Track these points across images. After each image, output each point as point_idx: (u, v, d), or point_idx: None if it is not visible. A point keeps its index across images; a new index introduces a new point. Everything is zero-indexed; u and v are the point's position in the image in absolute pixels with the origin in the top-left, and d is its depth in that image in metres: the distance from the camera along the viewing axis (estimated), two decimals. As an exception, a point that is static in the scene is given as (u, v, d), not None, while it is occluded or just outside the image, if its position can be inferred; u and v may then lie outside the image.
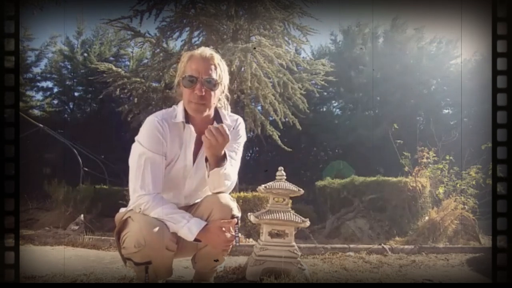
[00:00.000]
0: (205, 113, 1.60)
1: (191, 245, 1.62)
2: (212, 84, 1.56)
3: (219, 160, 1.54)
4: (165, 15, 5.53)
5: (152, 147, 1.55)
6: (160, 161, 1.56)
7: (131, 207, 1.56)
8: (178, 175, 1.65)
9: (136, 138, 1.59)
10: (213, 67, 1.58)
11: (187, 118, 1.62)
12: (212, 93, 1.58)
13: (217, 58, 1.61)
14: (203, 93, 1.54)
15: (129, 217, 1.55)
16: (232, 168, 1.64)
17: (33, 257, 3.06)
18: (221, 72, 1.61)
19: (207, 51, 1.60)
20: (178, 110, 1.64)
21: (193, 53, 1.61)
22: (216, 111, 1.69)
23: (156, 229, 1.46)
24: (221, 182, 1.59)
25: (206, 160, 1.57)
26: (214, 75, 1.57)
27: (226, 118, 1.69)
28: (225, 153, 1.55)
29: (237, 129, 1.72)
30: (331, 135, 8.87)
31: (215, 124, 1.57)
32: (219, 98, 1.68)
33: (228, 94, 1.74)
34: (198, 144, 1.64)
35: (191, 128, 1.61)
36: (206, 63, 1.57)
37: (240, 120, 1.76)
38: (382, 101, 9.01)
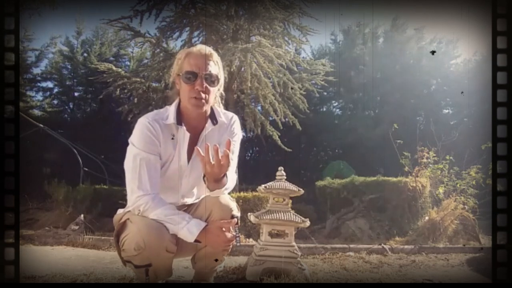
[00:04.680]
0: (204, 109, 1.60)
1: (190, 245, 1.62)
2: (212, 80, 1.57)
3: (219, 181, 1.51)
4: (165, 15, 5.54)
5: (146, 148, 1.55)
6: (155, 161, 1.56)
7: (130, 209, 1.55)
8: (174, 175, 1.65)
9: (130, 140, 1.59)
10: (212, 63, 1.59)
11: (179, 119, 1.62)
12: (212, 89, 1.58)
13: (215, 55, 1.62)
14: (204, 89, 1.55)
15: (128, 219, 1.54)
16: (230, 167, 1.64)
17: (33, 257, 3.06)
18: (219, 69, 1.63)
19: (206, 48, 1.61)
20: (170, 111, 1.63)
21: (191, 50, 1.62)
22: (211, 109, 1.69)
23: (156, 231, 1.45)
24: (222, 193, 1.59)
25: (204, 176, 1.54)
26: (213, 71, 1.58)
27: (220, 116, 1.69)
28: (225, 174, 1.51)
29: (232, 127, 1.71)
30: (331, 135, 8.87)
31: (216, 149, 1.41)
32: (215, 95, 1.68)
33: (223, 92, 1.75)
34: (192, 144, 1.64)
35: (183, 128, 1.61)
36: (205, 59, 1.58)
37: (235, 117, 1.75)
38: (382, 101, 9.01)
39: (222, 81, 1.68)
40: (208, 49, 1.61)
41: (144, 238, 1.43)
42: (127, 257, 1.51)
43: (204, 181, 1.54)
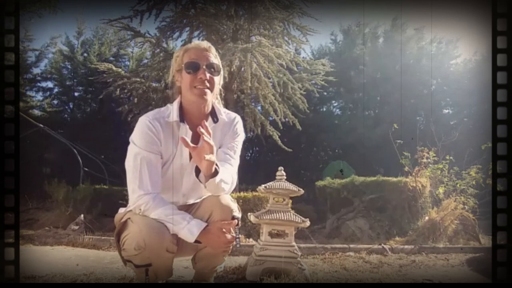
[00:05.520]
0: (208, 99, 1.59)
1: (191, 245, 1.61)
2: (214, 70, 1.58)
3: (213, 173, 1.48)
4: (165, 15, 5.55)
5: (147, 147, 1.55)
6: (156, 160, 1.56)
7: (131, 208, 1.55)
8: (176, 174, 1.64)
9: (130, 138, 1.59)
10: (212, 55, 1.60)
11: (182, 117, 1.62)
12: (215, 78, 1.59)
13: (214, 49, 1.63)
14: (208, 77, 1.55)
15: (129, 218, 1.54)
16: (231, 167, 1.63)
17: (33, 257, 3.06)
18: (219, 62, 1.63)
19: (203, 42, 1.63)
20: (172, 109, 1.63)
21: (189, 46, 1.63)
22: (212, 107, 1.68)
23: (156, 231, 1.45)
24: (219, 188, 1.54)
25: (197, 174, 1.52)
26: (215, 61, 1.59)
27: (221, 113, 1.69)
28: (216, 164, 1.49)
29: (234, 127, 1.71)
30: (331, 135, 8.87)
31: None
32: (217, 88, 1.68)
33: (221, 88, 1.75)
34: (195, 142, 1.62)
35: (186, 126, 1.61)
36: (205, 51, 1.59)
37: (238, 118, 1.75)
38: (382, 101, 9.01)
39: (221, 75, 1.68)
40: (206, 43, 1.62)
41: (144, 238, 1.43)
42: (127, 256, 1.51)
43: (198, 179, 1.54)
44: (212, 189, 1.54)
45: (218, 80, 1.64)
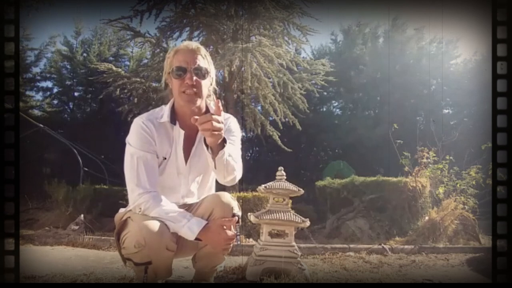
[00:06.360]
0: (197, 103, 1.60)
1: (191, 245, 1.62)
2: (202, 73, 1.58)
3: (220, 145, 1.46)
4: (165, 15, 5.55)
5: (142, 146, 1.58)
6: (152, 159, 1.59)
7: (131, 208, 1.57)
8: (173, 173, 1.67)
9: (126, 139, 1.62)
10: (200, 57, 1.60)
11: (174, 118, 1.64)
12: (203, 82, 1.59)
13: (203, 49, 1.63)
14: (194, 82, 1.56)
15: (129, 217, 1.56)
16: (236, 152, 1.62)
17: (33, 257, 3.06)
18: (208, 63, 1.63)
19: (192, 43, 1.63)
20: (165, 110, 1.66)
21: (179, 47, 1.63)
22: (206, 107, 1.69)
23: (156, 229, 1.45)
24: (229, 166, 1.52)
25: (207, 147, 1.50)
26: (202, 65, 1.59)
27: None
28: (224, 138, 1.48)
29: (227, 126, 1.70)
30: (331, 135, 8.88)
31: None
32: (208, 91, 1.68)
33: (216, 87, 1.75)
34: (189, 142, 1.65)
35: (177, 127, 1.63)
36: (193, 54, 1.59)
37: (232, 118, 1.76)
38: (382, 101, 9.01)
39: (213, 76, 1.68)
40: (195, 44, 1.62)
41: (144, 236, 1.44)
42: (127, 254, 1.51)
43: (208, 152, 1.50)
44: (221, 166, 1.50)
45: (208, 83, 1.64)
